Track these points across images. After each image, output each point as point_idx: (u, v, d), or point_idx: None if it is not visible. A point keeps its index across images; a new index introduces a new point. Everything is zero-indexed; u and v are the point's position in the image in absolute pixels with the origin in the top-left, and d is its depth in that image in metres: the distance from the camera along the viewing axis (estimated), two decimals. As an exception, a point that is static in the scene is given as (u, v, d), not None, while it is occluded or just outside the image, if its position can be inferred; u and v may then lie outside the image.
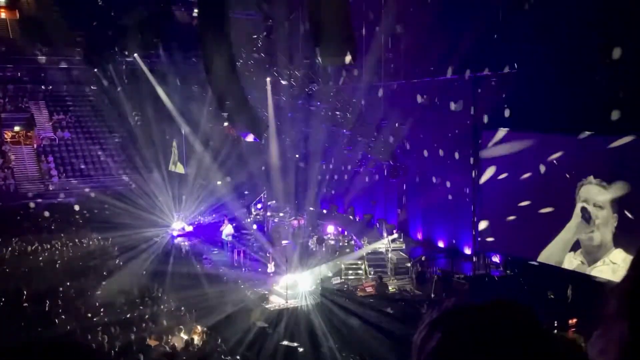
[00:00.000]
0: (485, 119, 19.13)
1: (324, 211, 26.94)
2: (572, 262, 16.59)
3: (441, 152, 21.05)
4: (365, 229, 23.68)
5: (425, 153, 21.79)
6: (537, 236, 17.50)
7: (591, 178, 15.62)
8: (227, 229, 23.83)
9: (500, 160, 18.66)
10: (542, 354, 1.17)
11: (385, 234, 21.66)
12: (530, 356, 1.15)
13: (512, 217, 18.26)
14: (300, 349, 13.85)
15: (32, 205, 28.31)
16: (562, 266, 16.85)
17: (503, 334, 1.16)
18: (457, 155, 20.46)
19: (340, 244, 22.53)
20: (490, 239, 19.32)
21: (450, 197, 20.94)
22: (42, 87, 34.98)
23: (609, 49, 14.03)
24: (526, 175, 17.63)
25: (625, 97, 14.01)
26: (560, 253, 16.90)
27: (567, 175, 16.40)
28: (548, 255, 17.27)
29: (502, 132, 18.43)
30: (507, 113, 17.95)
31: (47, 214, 27.10)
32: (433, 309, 1.26)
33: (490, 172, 18.91)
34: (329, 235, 23.42)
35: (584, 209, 15.95)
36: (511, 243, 18.49)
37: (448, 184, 20.95)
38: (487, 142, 19.26)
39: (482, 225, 19.42)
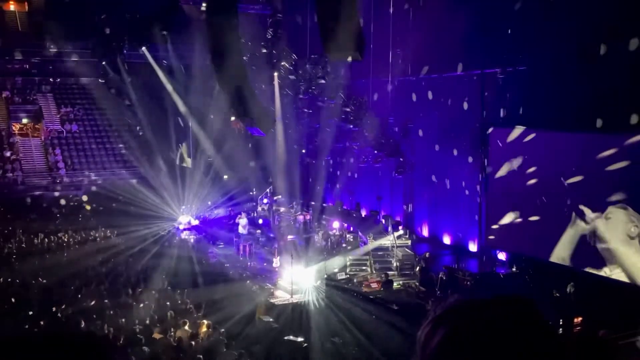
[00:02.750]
0: (493, 116, 19.06)
1: (330, 206, 26.95)
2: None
3: (448, 149, 20.99)
4: (370, 224, 23.66)
5: (432, 149, 21.74)
6: (547, 235, 17.45)
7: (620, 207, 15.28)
8: (243, 222, 23.86)
9: (509, 157, 18.61)
10: (545, 348, 1.17)
11: (390, 230, 21.64)
12: (533, 351, 1.16)
13: (518, 217, 18.22)
14: (305, 344, 13.87)
15: (44, 198, 28.44)
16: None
17: (506, 329, 1.17)
18: (464, 152, 20.40)
19: (346, 239, 22.54)
20: (493, 237, 19.30)
21: (456, 193, 20.90)
22: (50, 79, 35.04)
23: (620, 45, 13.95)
24: (534, 172, 17.59)
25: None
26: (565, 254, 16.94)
27: (575, 173, 16.35)
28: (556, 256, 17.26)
29: (515, 130, 18.36)
30: (515, 110, 17.89)
31: (53, 206, 27.22)
32: (437, 305, 1.27)
33: (505, 168, 18.81)
34: (334, 231, 23.43)
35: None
36: (520, 241, 18.44)
37: (454, 181, 20.90)
38: (494, 139, 19.21)
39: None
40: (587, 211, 16.13)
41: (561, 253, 17.05)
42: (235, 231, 24.07)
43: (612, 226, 15.45)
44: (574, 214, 16.48)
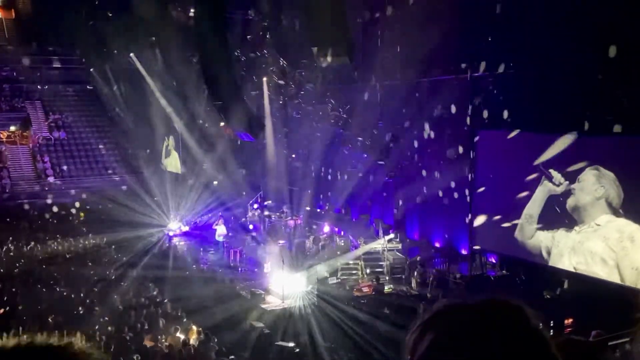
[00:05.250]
0: (482, 118, 19.12)
1: (320, 211, 26.95)
2: (546, 237, 17.07)
3: (438, 152, 21.04)
4: (361, 228, 23.68)
5: (422, 153, 21.79)
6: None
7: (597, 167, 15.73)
8: (220, 229, 23.82)
9: (498, 160, 18.70)
10: (533, 351, 1.17)
11: (381, 234, 21.65)
12: (522, 354, 1.16)
13: (505, 220, 18.30)
14: (296, 349, 13.85)
15: (32, 205, 28.27)
16: (531, 242, 17.39)
17: (495, 333, 1.16)
18: (453, 155, 20.44)
19: (337, 243, 22.54)
20: (483, 240, 19.38)
21: (446, 196, 20.93)
22: (38, 86, 34.86)
23: (607, 47, 14.04)
24: (522, 174, 17.67)
25: (625, 96, 14.02)
26: (529, 227, 17.48)
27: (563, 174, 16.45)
28: (518, 232, 17.82)
29: (503, 133, 18.50)
30: (504, 113, 17.96)
31: (42, 214, 27.06)
32: (426, 309, 1.27)
33: (493, 171, 19.00)
34: (325, 235, 23.42)
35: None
36: (507, 243, 18.51)
37: (445, 184, 20.94)
38: (482, 142, 19.29)
39: (479, 221, 19.43)
40: (556, 175, 16.59)
41: (530, 210, 17.52)
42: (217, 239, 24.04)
43: (581, 187, 15.98)
44: (543, 176, 16.94)
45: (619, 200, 15.06)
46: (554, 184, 16.68)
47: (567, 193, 16.32)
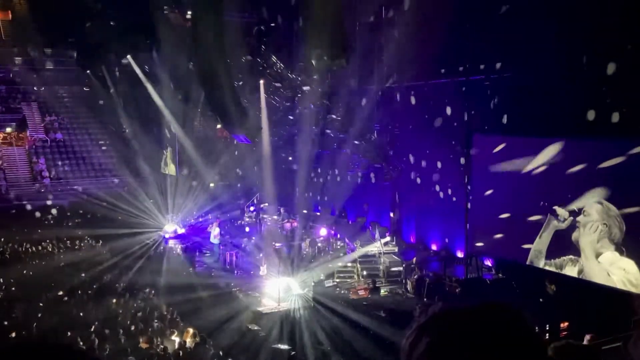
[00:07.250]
0: (479, 121, 19.15)
1: (317, 214, 26.95)
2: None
3: (434, 155, 21.06)
4: (358, 231, 23.66)
5: (419, 156, 21.80)
6: (527, 240, 17.58)
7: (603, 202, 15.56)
8: (215, 232, 23.80)
9: (493, 163, 18.72)
10: (529, 355, 1.17)
11: (377, 237, 21.66)
12: (518, 358, 1.16)
13: (504, 217, 18.31)
14: (293, 352, 13.83)
15: (28, 207, 28.15)
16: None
17: (492, 337, 1.17)
18: (449, 159, 20.48)
19: (333, 246, 22.52)
20: (479, 244, 19.39)
21: (442, 200, 20.95)
22: (35, 88, 34.75)
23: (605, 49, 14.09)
24: (517, 178, 17.70)
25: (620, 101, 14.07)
26: (538, 262, 17.41)
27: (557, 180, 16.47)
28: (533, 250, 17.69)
29: (495, 135, 18.53)
30: (499, 117, 17.99)
31: (38, 215, 26.99)
32: (422, 313, 1.26)
33: (488, 174, 18.96)
34: (321, 238, 23.39)
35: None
36: (502, 246, 18.54)
37: (441, 187, 20.96)
38: (478, 146, 19.32)
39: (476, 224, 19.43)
40: (561, 211, 16.50)
41: (538, 247, 17.41)
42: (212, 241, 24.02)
43: (584, 222, 15.86)
44: (549, 214, 16.87)
45: (621, 235, 14.98)
46: (558, 220, 16.65)
47: (573, 227, 16.26)
